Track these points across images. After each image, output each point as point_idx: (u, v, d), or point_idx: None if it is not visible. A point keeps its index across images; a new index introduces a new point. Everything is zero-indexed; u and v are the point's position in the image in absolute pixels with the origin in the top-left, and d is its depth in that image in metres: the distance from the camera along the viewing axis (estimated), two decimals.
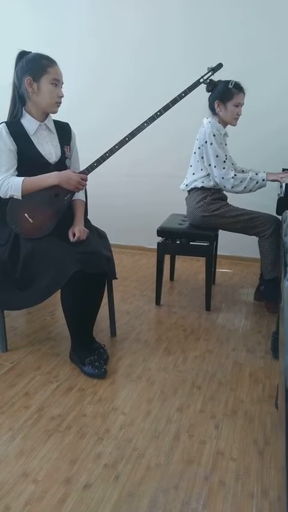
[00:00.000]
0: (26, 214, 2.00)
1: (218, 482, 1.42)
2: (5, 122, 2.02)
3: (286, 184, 2.35)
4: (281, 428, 0.88)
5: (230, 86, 2.59)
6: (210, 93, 2.65)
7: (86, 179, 2.07)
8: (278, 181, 2.56)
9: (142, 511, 1.31)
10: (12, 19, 3.73)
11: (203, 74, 2.25)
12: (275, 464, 1.51)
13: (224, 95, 2.61)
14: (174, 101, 2.05)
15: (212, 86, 2.58)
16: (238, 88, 2.62)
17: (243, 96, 2.65)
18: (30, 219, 2.00)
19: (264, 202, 2.81)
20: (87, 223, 2.26)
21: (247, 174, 2.62)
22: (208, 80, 2.36)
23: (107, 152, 2.06)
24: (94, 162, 2.07)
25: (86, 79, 3.59)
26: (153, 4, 3.45)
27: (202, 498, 1.36)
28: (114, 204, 3.84)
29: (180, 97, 2.06)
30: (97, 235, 2.23)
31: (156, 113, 2.03)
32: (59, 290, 1.98)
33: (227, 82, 2.60)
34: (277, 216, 2.56)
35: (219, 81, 2.59)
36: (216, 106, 2.65)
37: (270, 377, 2.04)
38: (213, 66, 2.23)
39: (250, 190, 2.63)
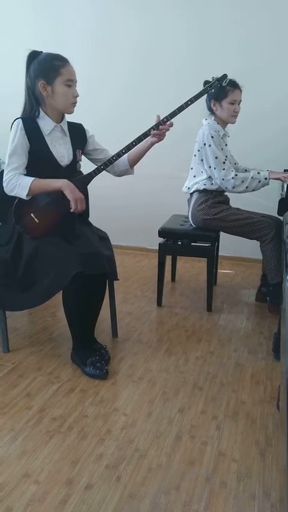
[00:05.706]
0: (32, 214, 2.00)
1: (220, 483, 1.42)
2: (22, 118, 1.98)
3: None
4: (283, 429, 0.88)
5: (223, 83, 2.52)
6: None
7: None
8: (280, 179, 2.55)
9: None
10: (13, 20, 3.75)
11: (208, 84, 2.22)
12: (277, 465, 1.50)
13: (219, 93, 2.59)
14: (181, 109, 2.05)
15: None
16: (233, 84, 2.57)
17: (239, 93, 2.61)
18: (36, 219, 2.00)
19: (266, 203, 2.81)
20: (88, 225, 2.26)
21: (248, 174, 2.60)
22: (212, 89, 2.24)
23: (114, 156, 2.05)
24: (101, 165, 2.06)
25: (85, 79, 3.58)
26: (152, 5, 3.45)
27: (203, 499, 1.36)
28: (116, 205, 3.84)
29: (186, 105, 2.06)
30: (98, 237, 2.23)
31: (162, 120, 2.03)
32: (61, 291, 1.98)
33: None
34: (278, 217, 2.56)
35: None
36: (212, 105, 2.65)
37: (271, 378, 2.04)
38: (219, 77, 2.22)
39: (253, 190, 2.61)
